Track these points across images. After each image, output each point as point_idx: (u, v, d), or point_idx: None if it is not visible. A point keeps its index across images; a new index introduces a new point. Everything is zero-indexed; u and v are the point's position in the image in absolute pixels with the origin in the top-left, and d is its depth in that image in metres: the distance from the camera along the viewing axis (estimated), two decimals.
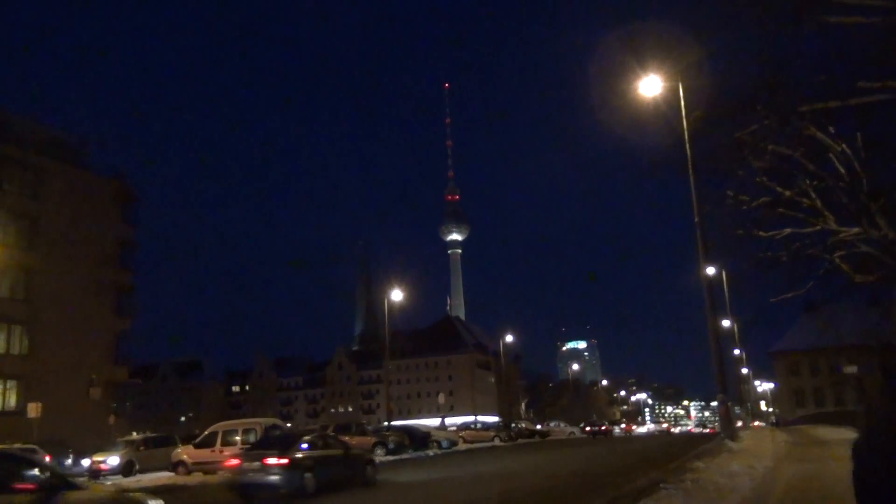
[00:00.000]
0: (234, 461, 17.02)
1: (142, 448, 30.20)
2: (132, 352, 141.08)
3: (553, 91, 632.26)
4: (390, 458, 30.62)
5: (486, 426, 55.64)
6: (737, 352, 71.98)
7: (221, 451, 24.44)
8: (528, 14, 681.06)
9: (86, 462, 28.07)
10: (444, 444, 38.22)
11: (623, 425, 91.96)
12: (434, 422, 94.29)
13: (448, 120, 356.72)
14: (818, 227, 24.81)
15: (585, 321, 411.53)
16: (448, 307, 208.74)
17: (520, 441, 49.37)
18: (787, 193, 25.16)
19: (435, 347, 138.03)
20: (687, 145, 25.20)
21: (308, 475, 16.39)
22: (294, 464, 16.19)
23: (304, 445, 17.26)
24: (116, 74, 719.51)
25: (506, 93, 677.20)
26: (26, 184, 49.38)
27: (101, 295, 52.22)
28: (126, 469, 29.01)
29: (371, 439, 32.61)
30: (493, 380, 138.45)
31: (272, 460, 15.94)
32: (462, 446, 42.68)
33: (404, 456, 31.95)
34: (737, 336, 65.37)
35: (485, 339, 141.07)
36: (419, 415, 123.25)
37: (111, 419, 45.09)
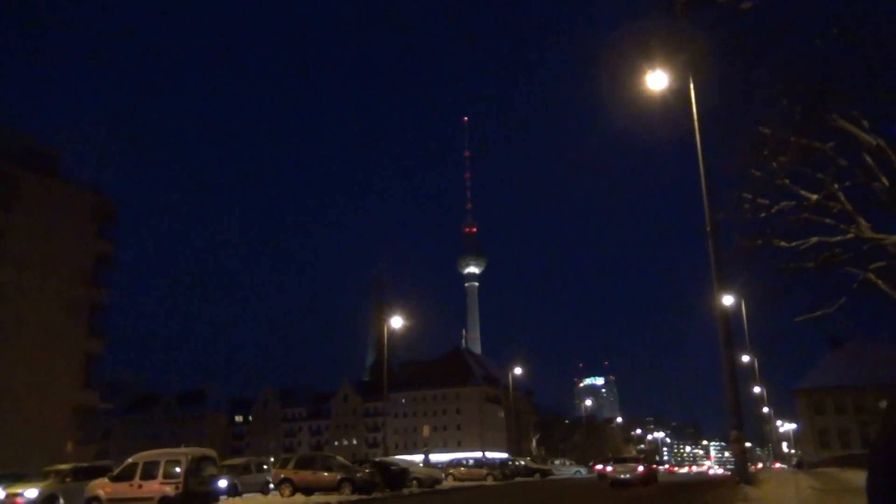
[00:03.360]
0: (609, 468, 38.48)
1: (68, 479, 26.43)
2: (132, 380, 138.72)
3: (570, 120, 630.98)
4: (354, 497, 26.66)
5: (480, 462, 51.08)
6: (757, 389, 67.48)
7: (140, 486, 20.77)
8: (543, 36, 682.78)
9: None
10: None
11: (666, 466, 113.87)
12: (442, 457, 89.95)
13: (467, 153, 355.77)
14: (850, 235, 21.19)
15: (604, 357, 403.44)
16: (464, 340, 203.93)
17: (516, 480, 45.11)
18: (813, 197, 21.62)
19: (443, 380, 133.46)
20: (698, 143, 21.80)
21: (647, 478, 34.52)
22: (647, 472, 35.25)
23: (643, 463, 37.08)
24: (107, 84, 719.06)
25: (522, 125, 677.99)
26: None
27: (74, 314, 49.01)
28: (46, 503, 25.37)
29: (336, 475, 28.64)
30: (502, 415, 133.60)
31: (633, 469, 34.87)
32: (447, 484, 38.52)
33: (374, 496, 27.95)
34: (757, 372, 61.46)
35: (496, 373, 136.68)
36: (426, 449, 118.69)
37: (69, 446, 41.43)
